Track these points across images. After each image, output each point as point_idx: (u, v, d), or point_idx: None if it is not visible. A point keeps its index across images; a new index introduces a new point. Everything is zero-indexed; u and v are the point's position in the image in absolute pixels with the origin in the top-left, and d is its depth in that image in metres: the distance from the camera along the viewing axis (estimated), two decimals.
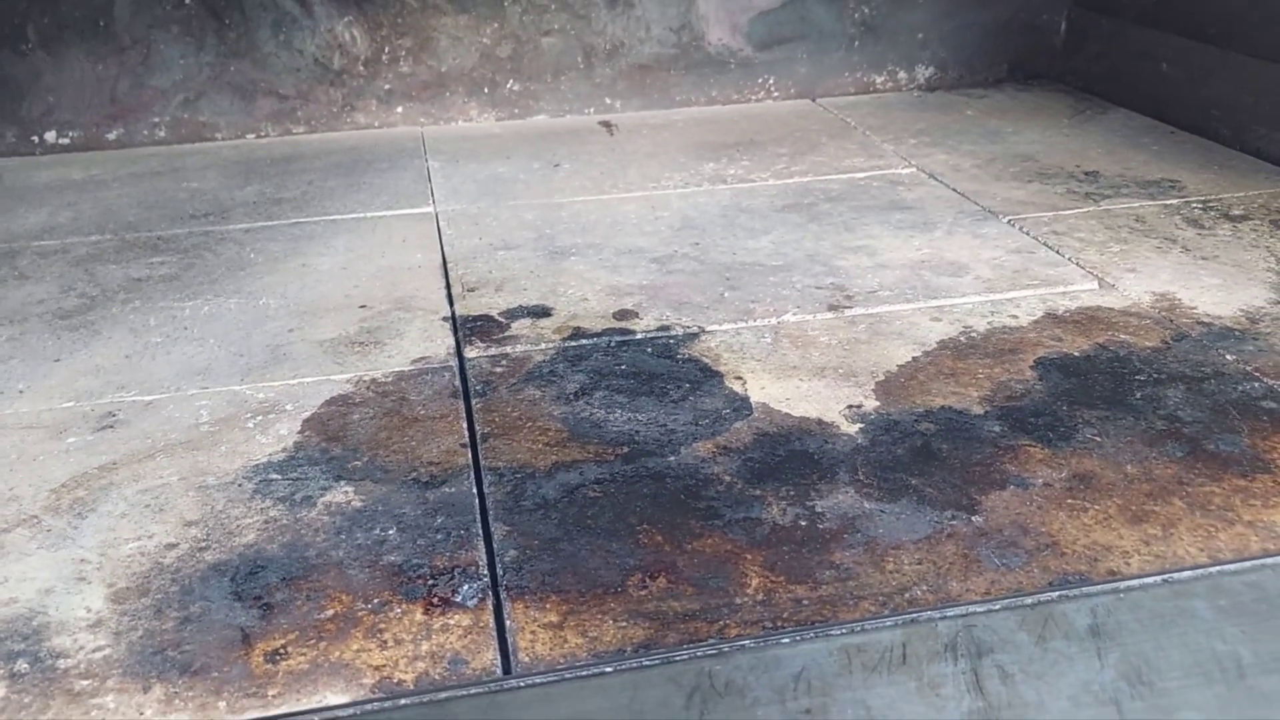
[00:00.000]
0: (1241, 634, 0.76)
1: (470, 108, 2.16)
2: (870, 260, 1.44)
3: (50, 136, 2.04)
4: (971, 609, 0.79)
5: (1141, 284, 1.34)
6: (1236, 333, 1.21)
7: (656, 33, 2.17)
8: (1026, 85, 2.29)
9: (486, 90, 2.15)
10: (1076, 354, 1.18)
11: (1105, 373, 1.14)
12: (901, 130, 2.02)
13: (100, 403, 1.15)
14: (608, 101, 2.19)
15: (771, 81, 2.24)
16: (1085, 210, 1.58)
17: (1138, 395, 1.09)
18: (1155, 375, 1.13)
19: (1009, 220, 1.55)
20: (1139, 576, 0.83)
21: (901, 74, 2.29)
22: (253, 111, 2.10)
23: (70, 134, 2.05)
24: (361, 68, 2.10)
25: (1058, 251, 1.44)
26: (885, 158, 1.87)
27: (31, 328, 1.33)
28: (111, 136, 2.06)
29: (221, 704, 0.75)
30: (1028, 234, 1.50)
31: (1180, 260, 1.41)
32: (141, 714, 0.74)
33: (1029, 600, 0.80)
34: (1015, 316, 1.27)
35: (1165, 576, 0.82)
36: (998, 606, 0.79)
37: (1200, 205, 1.58)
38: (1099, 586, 0.81)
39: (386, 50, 2.10)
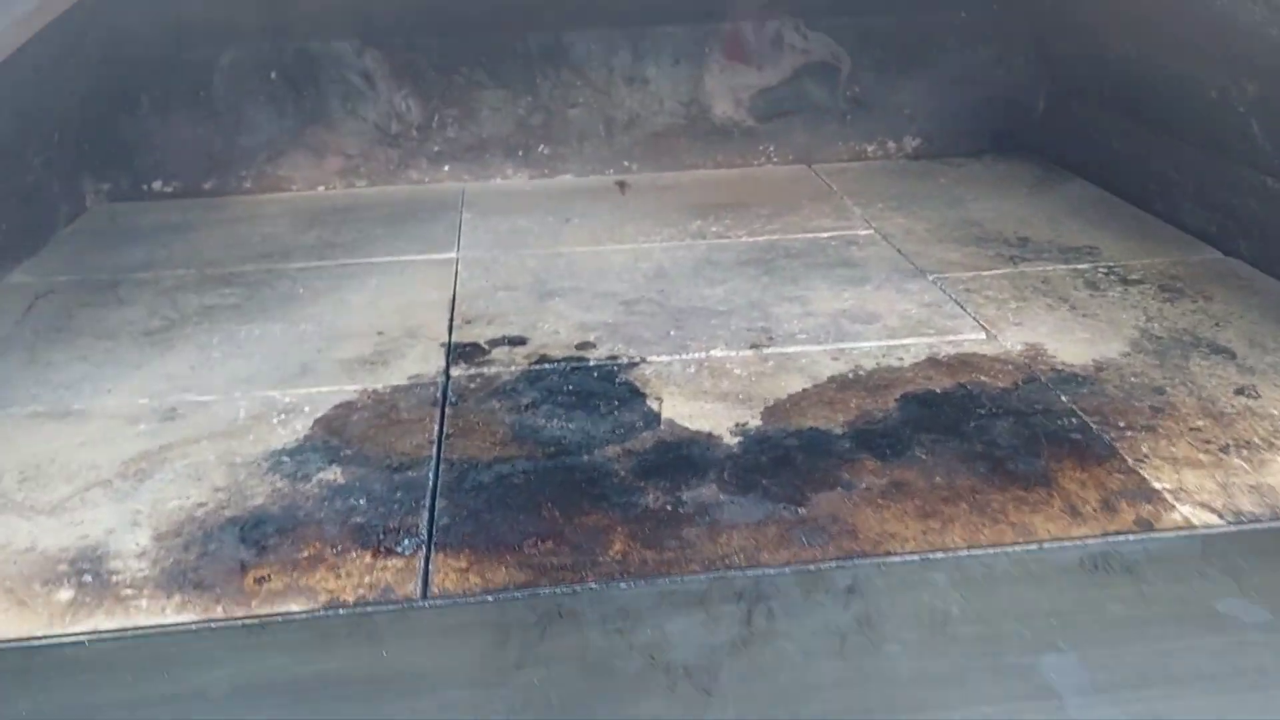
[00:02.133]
0: (960, 597, 1.01)
1: (507, 168, 2.50)
2: (801, 309, 1.71)
3: (157, 185, 2.44)
4: (766, 571, 1.06)
5: (1020, 335, 1.58)
6: (1080, 378, 1.45)
7: (669, 105, 2.48)
8: (1005, 156, 2.53)
9: (521, 153, 2.49)
10: (938, 390, 1.43)
11: (954, 406, 1.39)
12: (875, 195, 2.28)
13: (167, 401, 1.49)
14: (625, 164, 2.51)
15: (772, 149, 2.53)
16: (1003, 271, 1.83)
17: (971, 425, 1.34)
18: (994, 410, 1.38)
19: (933, 279, 1.81)
20: (905, 554, 1.08)
21: (890, 144, 2.55)
22: (323, 167, 2.47)
23: (173, 184, 2.44)
24: (415, 132, 2.46)
25: (962, 306, 1.69)
26: (851, 220, 2.14)
27: (122, 343, 1.68)
28: (207, 186, 2.45)
29: (219, 609, 1.06)
30: (943, 291, 1.75)
31: (1064, 317, 1.64)
32: (164, 612, 1.06)
33: (811, 567, 1.06)
34: (901, 359, 1.52)
35: (924, 556, 1.08)
36: (787, 570, 1.06)
37: (1105, 269, 1.81)
38: (870, 560, 1.07)
39: (436, 118, 2.45)
